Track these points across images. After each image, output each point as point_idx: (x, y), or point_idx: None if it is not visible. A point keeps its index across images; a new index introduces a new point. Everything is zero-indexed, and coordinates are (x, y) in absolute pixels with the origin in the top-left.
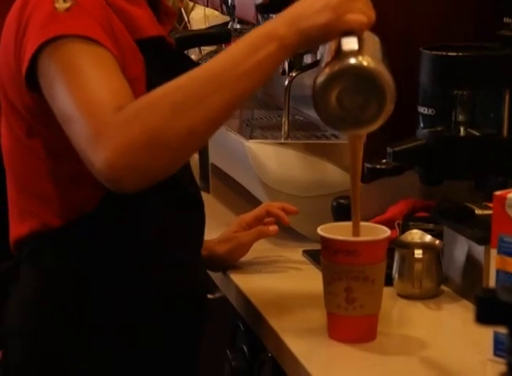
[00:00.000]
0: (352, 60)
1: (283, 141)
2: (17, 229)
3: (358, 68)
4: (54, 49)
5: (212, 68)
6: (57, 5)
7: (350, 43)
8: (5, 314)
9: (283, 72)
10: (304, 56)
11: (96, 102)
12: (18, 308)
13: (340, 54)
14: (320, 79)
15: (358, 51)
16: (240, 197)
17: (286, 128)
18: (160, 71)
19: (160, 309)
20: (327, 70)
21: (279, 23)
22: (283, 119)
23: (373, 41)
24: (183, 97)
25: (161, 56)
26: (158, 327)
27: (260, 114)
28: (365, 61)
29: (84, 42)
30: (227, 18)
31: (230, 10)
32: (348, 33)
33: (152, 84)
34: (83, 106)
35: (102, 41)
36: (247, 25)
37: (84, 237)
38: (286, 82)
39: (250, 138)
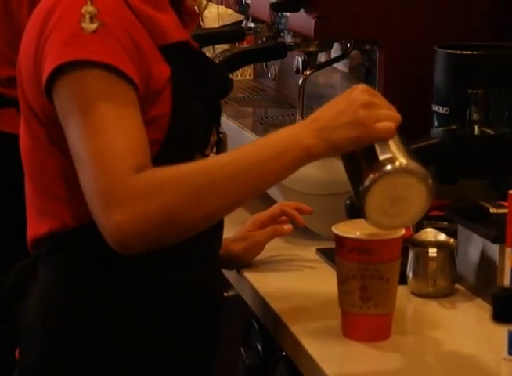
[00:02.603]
0: (390, 168)
1: None
2: (35, 228)
3: (397, 175)
4: (75, 74)
5: (241, 161)
6: (84, 24)
7: (384, 151)
8: (21, 313)
9: (297, 71)
10: (319, 55)
11: (112, 157)
12: (35, 307)
13: (376, 162)
14: (362, 189)
15: (394, 157)
16: (258, 200)
17: None
18: (185, 77)
19: (176, 311)
20: (367, 182)
21: (307, 131)
22: (297, 117)
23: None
24: (209, 184)
25: (186, 61)
26: (174, 329)
27: (274, 113)
28: (402, 165)
29: (106, 72)
30: (241, 16)
31: (244, 8)
32: None
33: (178, 91)
34: (98, 158)
35: (126, 68)
36: (261, 23)
37: (98, 239)
38: (300, 81)
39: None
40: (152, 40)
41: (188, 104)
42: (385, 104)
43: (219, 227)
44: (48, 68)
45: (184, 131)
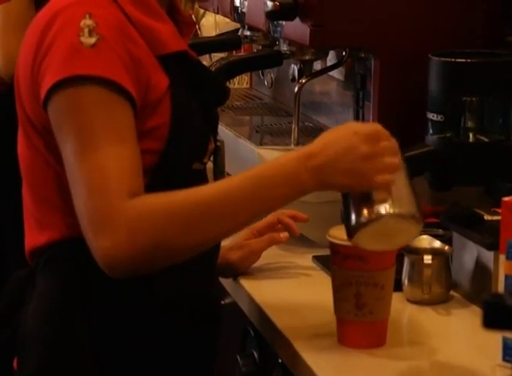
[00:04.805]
0: (382, 212)
1: (292, 147)
2: (34, 238)
3: (390, 218)
4: (73, 90)
5: (235, 190)
6: (83, 39)
7: (380, 193)
8: (20, 322)
9: (293, 79)
10: (314, 63)
11: (105, 180)
12: (34, 316)
13: (369, 201)
14: (353, 225)
15: (388, 200)
16: None
17: (296, 134)
18: (184, 86)
19: (175, 321)
20: (359, 221)
21: (304, 168)
22: (293, 125)
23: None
24: (200, 214)
25: (184, 71)
26: (173, 339)
27: (270, 121)
28: (395, 211)
29: (103, 88)
30: (237, 25)
31: (240, 17)
32: None
33: (177, 101)
34: (90, 179)
35: (123, 82)
36: (257, 32)
37: None
38: (296, 89)
39: (261, 144)
40: (150, 50)
41: (187, 114)
42: (386, 149)
43: None
44: (47, 83)
45: (183, 141)
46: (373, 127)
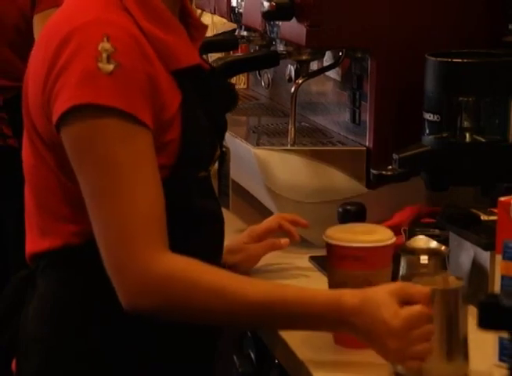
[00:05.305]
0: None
1: (289, 147)
2: (36, 244)
3: None
4: (90, 118)
5: (269, 306)
6: (100, 64)
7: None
8: (20, 324)
9: (290, 79)
10: (311, 63)
11: (131, 223)
12: (34, 318)
13: None
14: None
15: None
16: (254, 209)
17: (293, 134)
18: (195, 100)
19: (176, 325)
20: None
21: (339, 321)
22: (290, 126)
23: None
24: (225, 309)
25: (196, 83)
26: (174, 343)
27: (266, 121)
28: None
29: (121, 119)
30: (234, 25)
31: (237, 17)
32: None
33: (188, 116)
34: (116, 221)
35: (141, 114)
36: (254, 32)
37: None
38: (293, 89)
39: (257, 144)
40: (164, 66)
41: (197, 128)
42: (421, 336)
43: (219, 245)
44: (61, 104)
45: (192, 155)
46: (407, 312)
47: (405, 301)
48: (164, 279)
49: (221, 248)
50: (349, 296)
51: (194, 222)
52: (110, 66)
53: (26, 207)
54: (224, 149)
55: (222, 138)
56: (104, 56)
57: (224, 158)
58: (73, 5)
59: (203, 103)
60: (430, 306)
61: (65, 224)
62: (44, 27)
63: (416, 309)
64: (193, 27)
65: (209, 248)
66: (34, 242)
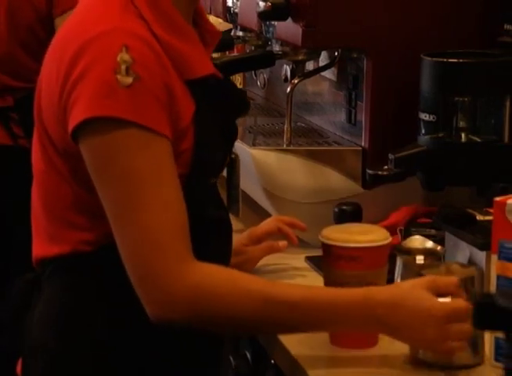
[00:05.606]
0: None
1: (285, 148)
2: (44, 249)
3: None
4: (108, 131)
5: (305, 312)
6: (119, 76)
7: None
8: (26, 328)
9: (286, 79)
10: (307, 63)
11: (159, 234)
12: (40, 323)
13: None
14: None
15: None
16: (249, 209)
17: (289, 134)
18: (208, 109)
19: (181, 330)
20: None
21: (376, 320)
22: (285, 126)
23: None
24: (260, 317)
25: (210, 94)
26: (180, 348)
27: (262, 121)
28: None
29: (140, 131)
30: (230, 25)
31: (233, 17)
32: None
33: (201, 125)
34: (142, 232)
35: (159, 127)
36: (250, 32)
37: (114, 261)
38: (289, 89)
39: (253, 145)
40: (179, 75)
41: (210, 137)
42: (459, 333)
43: (230, 249)
44: (78, 116)
45: (204, 164)
46: (451, 306)
47: (438, 293)
48: (197, 288)
49: (230, 255)
50: (375, 291)
51: (206, 229)
52: (129, 79)
53: (33, 210)
54: (233, 156)
55: (232, 145)
56: (123, 67)
57: (233, 165)
58: (88, 11)
59: (215, 111)
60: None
61: (75, 231)
62: (59, 31)
63: (461, 304)
64: (206, 30)
65: (219, 255)
66: (42, 247)
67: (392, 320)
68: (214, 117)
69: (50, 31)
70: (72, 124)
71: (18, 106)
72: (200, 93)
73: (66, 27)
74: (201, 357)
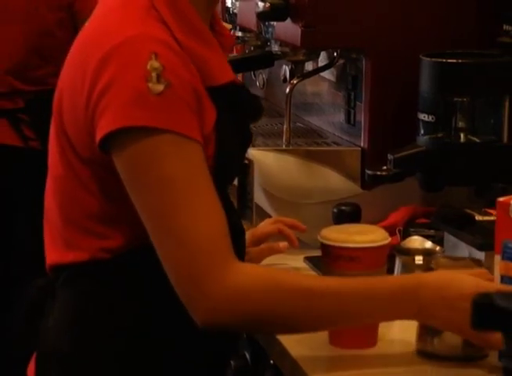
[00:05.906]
0: None
1: (284, 148)
2: (59, 255)
3: None
4: (143, 140)
5: (346, 303)
6: (150, 84)
7: None
8: (40, 335)
9: (285, 80)
10: (306, 64)
11: (203, 240)
12: (55, 330)
13: None
14: None
15: None
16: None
17: (288, 135)
18: (228, 116)
19: (195, 344)
20: None
21: (417, 311)
22: (285, 126)
23: None
24: (306, 310)
25: (229, 101)
26: (193, 352)
27: (261, 121)
28: None
29: (174, 137)
30: (229, 26)
31: (232, 18)
32: None
33: (221, 133)
34: (187, 238)
35: (192, 133)
36: (249, 33)
37: (134, 268)
38: (288, 89)
39: (253, 145)
40: (201, 80)
41: (229, 144)
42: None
43: (243, 255)
44: (108, 125)
45: (226, 171)
46: None
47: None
48: (246, 291)
49: (243, 261)
50: (422, 275)
51: None
52: (161, 87)
53: (47, 214)
54: (246, 161)
55: (246, 150)
56: (153, 75)
57: (247, 171)
58: (108, 15)
59: (234, 118)
60: None
61: (94, 239)
62: (79, 34)
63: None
64: (221, 35)
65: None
66: (57, 253)
67: (432, 308)
68: (233, 124)
69: (70, 32)
70: (101, 133)
71: (28, 107)
72: (220, 100)
73: (86, 31)
74: (213, 358)
